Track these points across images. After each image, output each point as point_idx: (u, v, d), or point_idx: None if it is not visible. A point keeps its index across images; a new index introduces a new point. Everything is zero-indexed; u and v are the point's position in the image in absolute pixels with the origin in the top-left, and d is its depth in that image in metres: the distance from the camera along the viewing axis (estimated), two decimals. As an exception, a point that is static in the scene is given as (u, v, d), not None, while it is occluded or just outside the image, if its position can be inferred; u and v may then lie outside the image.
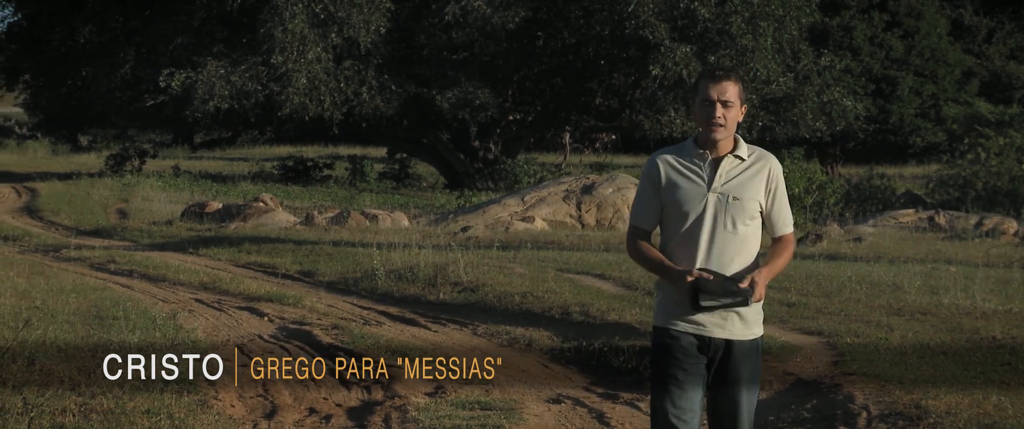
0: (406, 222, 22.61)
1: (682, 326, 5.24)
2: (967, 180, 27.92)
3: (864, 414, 7.93)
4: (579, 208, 23.42)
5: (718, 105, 5.24)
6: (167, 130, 55.20)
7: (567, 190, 23.95)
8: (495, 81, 34.64)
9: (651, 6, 31.58)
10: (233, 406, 8.28)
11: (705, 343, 5.24)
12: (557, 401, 8.92)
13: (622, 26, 32.17)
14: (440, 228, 21.29)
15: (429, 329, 11.83)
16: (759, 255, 5.32)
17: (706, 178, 5.26)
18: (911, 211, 24.36)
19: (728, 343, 5.26)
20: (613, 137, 43.74)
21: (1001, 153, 28.44)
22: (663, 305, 5.29)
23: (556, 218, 23.17)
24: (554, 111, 36.31)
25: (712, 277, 5.15)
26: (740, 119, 5.29)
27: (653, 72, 31.82)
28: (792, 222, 5.39)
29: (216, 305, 13.07)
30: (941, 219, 22.97)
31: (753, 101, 32.42)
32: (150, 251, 18.55)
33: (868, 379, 8.53)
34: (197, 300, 13.46)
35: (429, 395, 8.87)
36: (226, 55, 32.58)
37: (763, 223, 5.37)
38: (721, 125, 5.24)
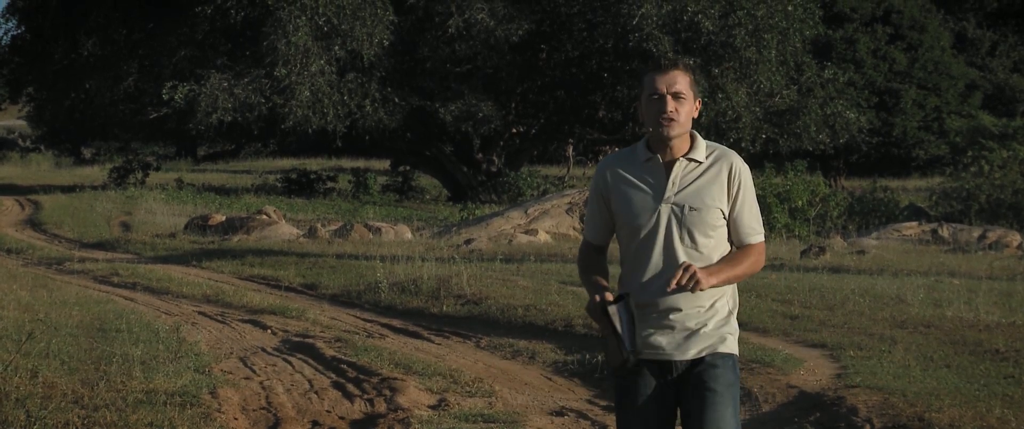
0: (409, 235, 22.60)
1: (642, 352, 4.62)
2: (970, 193, 27.90)
3: (867, 427, 7.92)
4: (582, 221, 23.41)
5: (668, 98, 4.55)
6: (170, 143, 55.38)
7: (570, 203, 23.95)
8: (498, 94, 34.65)
9: (655, 19, 31.59)
10: (236, 419, 8.26)
11: (665, 366, 4.63)
12: (560, 414, 8.91)
13: (625, 39, 32.18)
14: (443, 241, 21.29)
15: (432, 342, 11.83)
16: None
17: (656, 187, 4.60)
18: (914, 224, 24.35)
19: (695, 359, 4.65)
20: (616, 149, 43.77)
21: (1004, 166, 28.43)
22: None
23: (559, 231, 23.16)
24: (557, 124, 36.33)
25: (618, 321, 4.50)
26: (695, 115, 4.61)
27: (656, 85, 31.81)
28: (762, 231, 4.68)
29: (219, 318, 13.07)
30: (944, 232, 22.96)
31: (757, 113, 32.42)
32: (153, 264, 18.55)
33: (871, 392, 8.51)
34: (200, 313, 13.46)
35: (432, 408, 8.85)
36: (229, 68, 32.61)
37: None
38: (673, 119, 4.54)
